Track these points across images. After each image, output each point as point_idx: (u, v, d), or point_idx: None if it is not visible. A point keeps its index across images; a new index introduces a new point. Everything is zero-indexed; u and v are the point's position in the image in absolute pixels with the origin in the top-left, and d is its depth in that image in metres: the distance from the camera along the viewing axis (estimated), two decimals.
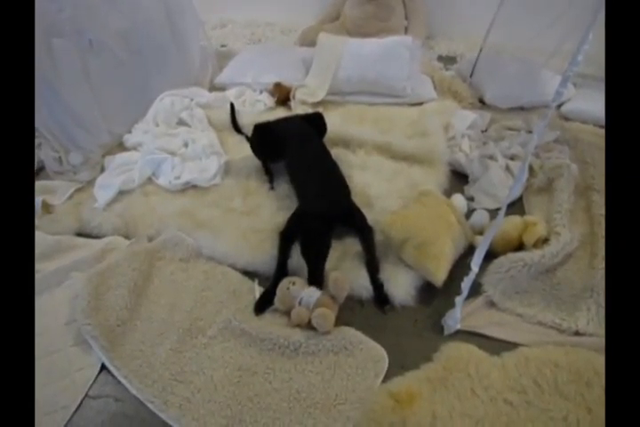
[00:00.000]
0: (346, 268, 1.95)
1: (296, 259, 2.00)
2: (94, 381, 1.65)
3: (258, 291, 1.94)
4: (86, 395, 1.62)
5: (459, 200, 2.30)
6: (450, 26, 4.12)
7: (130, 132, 2.81)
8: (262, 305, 1.88)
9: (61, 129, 2.50)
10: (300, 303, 1.80)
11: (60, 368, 1.67)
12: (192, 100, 3.00)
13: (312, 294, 1.80)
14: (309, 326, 1.76)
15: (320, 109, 2.94)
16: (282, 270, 1.96)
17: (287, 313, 1.82)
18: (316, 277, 1.85)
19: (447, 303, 1.80)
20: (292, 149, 2.33)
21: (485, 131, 2.87)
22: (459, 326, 1.77)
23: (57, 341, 1.75)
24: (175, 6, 3.11)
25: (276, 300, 1.84)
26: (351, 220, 2.06)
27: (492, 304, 1.87)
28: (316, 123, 2.50)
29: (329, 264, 1.95)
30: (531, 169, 2.45)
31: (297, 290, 1.82)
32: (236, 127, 2.86)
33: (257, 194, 2.39)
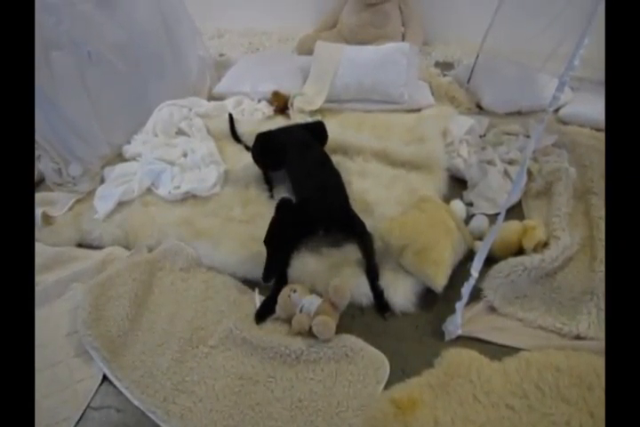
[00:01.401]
0: (346, 275, 1.95)
1: (296, 267, 2.00)
2: (96, 392, 1.65)
3: (258, 300, 1.94)
4: (88, 406, 1.61)
5: (458, 206, 2.30)
6: (446, 32, 4.13)
7: (129, 142, 2.82)
8: (263, 314, 1.88)
9: (60, 141, 2.51)
10: (300, 311, 1.80)
11: (62, 380, 1.68)
12: (191, 109, 3.01)
13: (313, 301, 1.80)
14: (310, 333, 1.76)
15: (318, 117, 2.96)
16: (282, 279, 1.96)
17: (288, 321, 1.82)
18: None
19: (447, 309, 1.80)
20: (292, 157, 2.34)
21: (483, 136, 2.88)
22: (459, 332, 1.76)
23: (58, 352, 1.76)
24: (172, 17, 3.13)
25: (277, 307, 1.85)
26: (350, 226, 2.07)
27: (492, 309, 1.86)
28: (316, 131, 2.51)
29: (329, 272, 1.96)
30: (529, 173, 2.46)
31: (298, 298, 1.82)
32: (235, 136, 2.87)
33: (256, 203, 2.40)
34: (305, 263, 2.02)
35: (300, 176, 2.27)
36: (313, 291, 1.89)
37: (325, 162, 2.32)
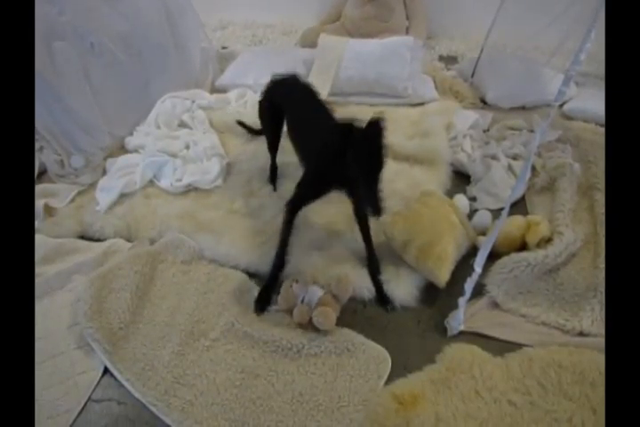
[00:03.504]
0: (347, 268, 1.95)
1: (297, 260, 2.00)
2: (97, 384, 1.65)
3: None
4: (89, 398, 1.61)
5: (461, 200, 2.29)
6: (451, 26, 4.11)
7: (131, 134, 2.81)
8: (262, 301, 1.87)
9: (63, 132, 2.50)
10: (302, 302, 1.80)
11: (63, 371, 1.67)
12: (193, 102, 3.00)
13: (315, 292, 1.80)
14: (311, 324, 1.76)
15: None
16: (280, 263, 1.92)
17: (289, 312, 1.82)
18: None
19: (450, 304, 1.79)
20: (293, 111, 2.12)
21: (487, 130, 2.87)
22: (462, 327, 1.76)
23: (59, 344, 1.75)
24: (175, 8, 3.12)
25: (279, 298, 1.85)
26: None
27: (495, 305, 1.86)
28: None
29: (331, 265, 1.96)
30: (533, 168, 2.44)
31: (299, 288, 1.83)
32: (253, 131, 2.73)
33: (259, 195, 2.39)
34: (306, 256, 2.02)
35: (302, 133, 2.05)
36: (314, 283, 1.88)
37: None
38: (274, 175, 2.47)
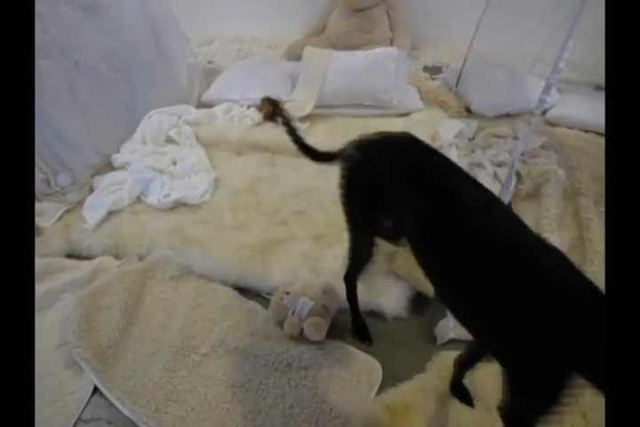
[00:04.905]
0: (337, 280, 1.94)
1: (287, 273, 2.00)
2: (87, 404, 1.63)
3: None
4: (79, 418, 1.59)
5: None
6: (434, 36, 4.15)
7: (118, 151, 2.81)
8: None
9: (49, 150, 2.49)
10: (292, 313, 1.80)
11: (52, 392, 1.66)
12: (180, 117, 3.00)
13: (305, 304, 1.81)
14: (302, 336, 1.76)
15: (307, 123, 2.97)
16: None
17: (280, 325, 1.83)
18: None
19: (439, 313, 1.80)
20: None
21: (473, 139, 2.89)
22: (451, 335, 1.76)
23: (48, 364, 1.74)
24: (160, 24, 3.13)
25: (270, 310, 1.86)
26: None
27: None
28: None
29: (321, 277, 1.96)
30: (518, 175, 2.46)
31: (290, 300, 1.83)
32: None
33: (247, 210, 2.39)
34: (295, 269, 2.03)
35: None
36: (304, 295, 1.89)
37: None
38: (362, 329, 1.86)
